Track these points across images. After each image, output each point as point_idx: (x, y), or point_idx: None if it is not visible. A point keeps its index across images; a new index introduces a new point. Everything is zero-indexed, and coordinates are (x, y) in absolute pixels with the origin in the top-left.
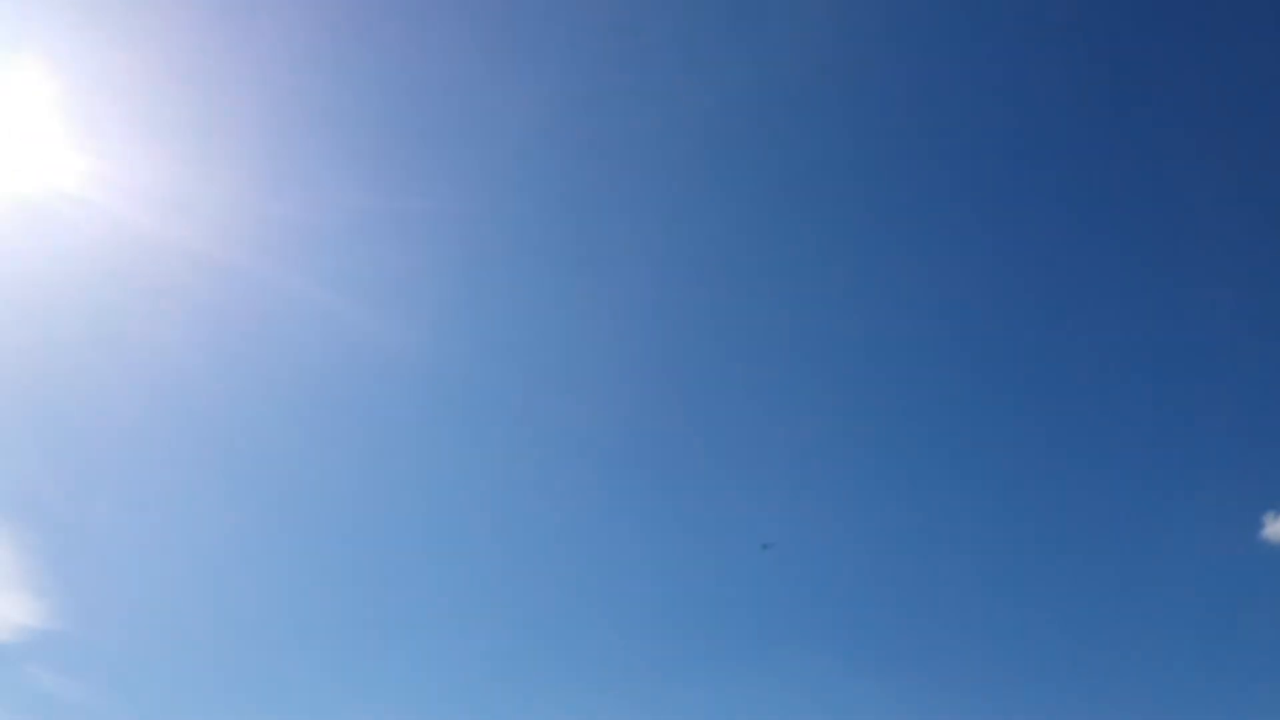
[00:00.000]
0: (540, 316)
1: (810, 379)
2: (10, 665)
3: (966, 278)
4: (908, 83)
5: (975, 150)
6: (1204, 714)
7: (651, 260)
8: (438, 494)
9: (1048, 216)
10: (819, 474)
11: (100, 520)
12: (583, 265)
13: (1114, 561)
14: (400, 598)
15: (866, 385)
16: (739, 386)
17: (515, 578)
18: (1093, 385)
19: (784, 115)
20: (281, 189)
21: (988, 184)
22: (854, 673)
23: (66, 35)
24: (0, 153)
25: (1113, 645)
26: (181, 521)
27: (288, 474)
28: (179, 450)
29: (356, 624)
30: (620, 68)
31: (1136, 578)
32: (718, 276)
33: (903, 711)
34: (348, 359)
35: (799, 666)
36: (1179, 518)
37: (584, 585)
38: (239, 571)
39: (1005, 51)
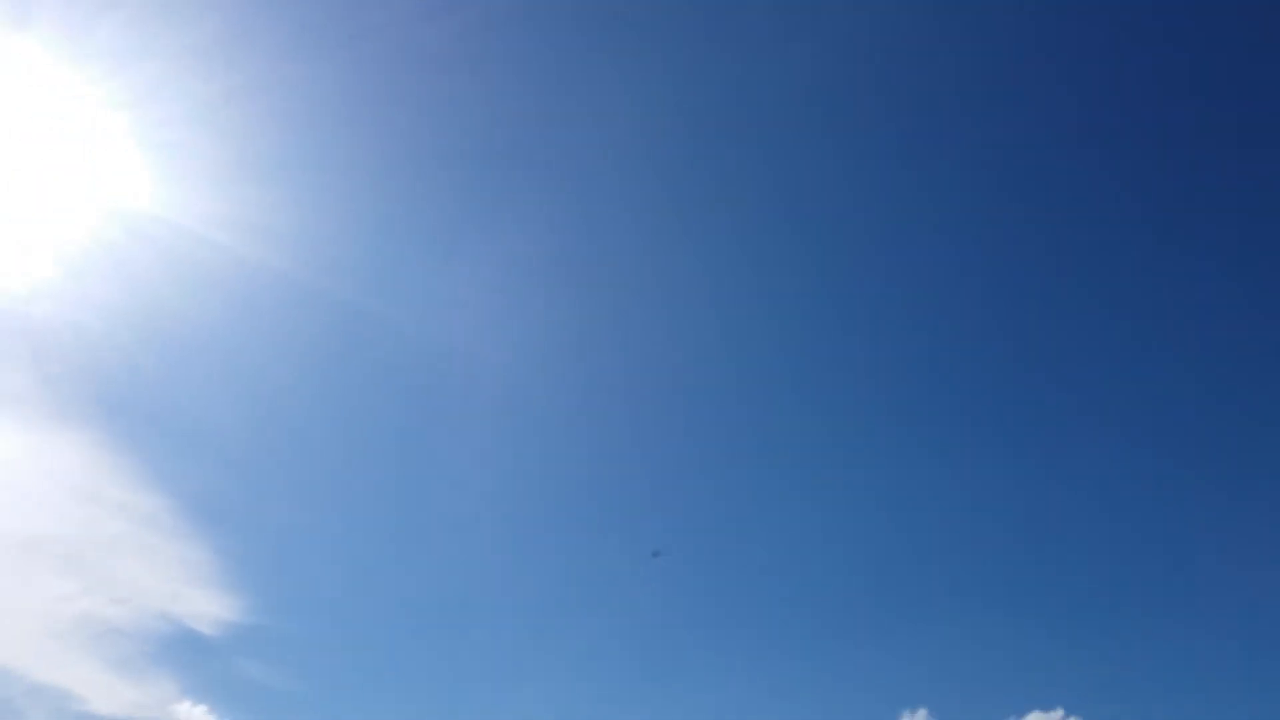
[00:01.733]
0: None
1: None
2: (217, 657)
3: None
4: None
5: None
6: None
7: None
8: (558, 488)
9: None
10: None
11: (281, 520)
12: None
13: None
14: (553, 584)
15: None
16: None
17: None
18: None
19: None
20: (352, 210)
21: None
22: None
23: (146, 61)
24: (88, 175)
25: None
26: (350, 517)
27: (434, 471)
28: (337, 453)
29: (514, 608)
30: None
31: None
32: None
33: None
34: (441, 370)
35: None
36: None
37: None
38: (406, 561)
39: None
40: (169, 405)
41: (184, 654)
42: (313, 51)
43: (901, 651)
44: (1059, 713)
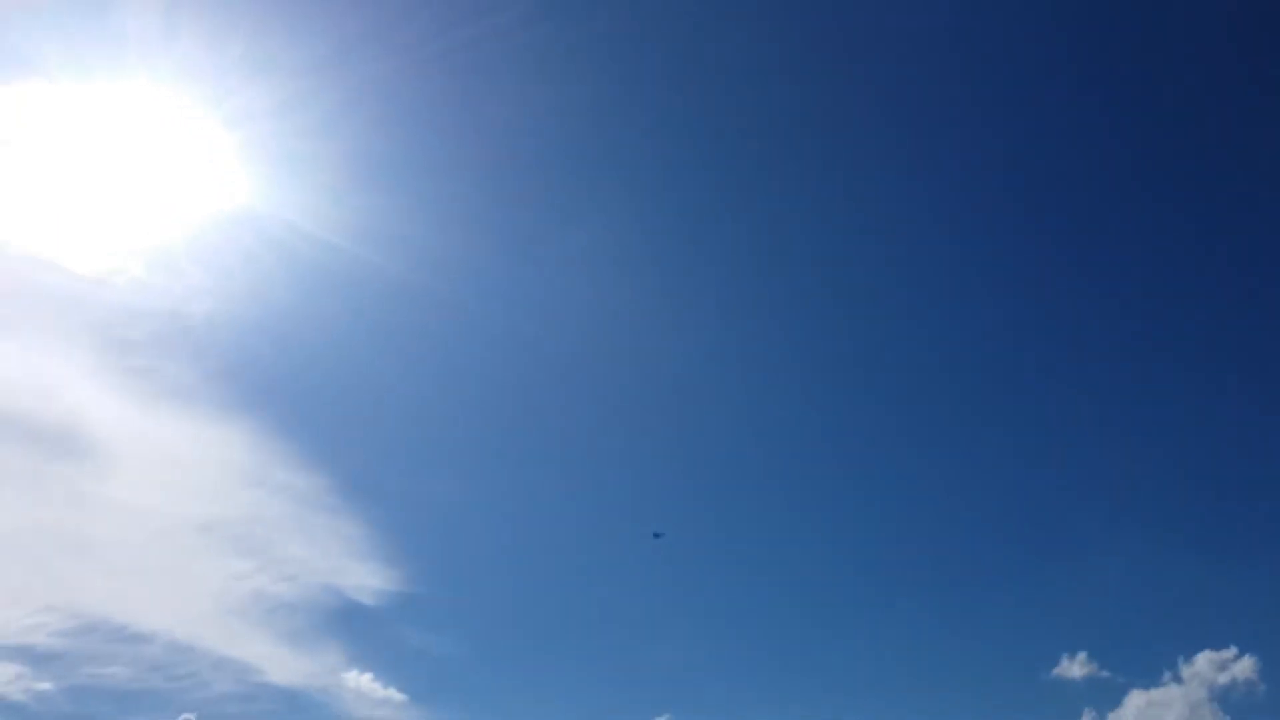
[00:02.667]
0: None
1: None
2: (378, 627)
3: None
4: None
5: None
6: None
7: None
8: (667, 450)
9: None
10: None
11: (431, 494)
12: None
13: None
14: (689, 540)
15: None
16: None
17: None
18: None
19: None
20: (459, 211)
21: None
22: None
23: (275, 74)
24: (230, 187)
25: None
26: (493, 489)
27: (557, 444)
28: (475, 431)
29: (653, 565)
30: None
31: None
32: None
33: None
34: (557, 355)
35: None
36: None
37: None
38: (548, 527)
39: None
40: (320, 392)
41: (349, 624)
42: (416, 65)
43: (1059, 595)
44: (1231, 651)
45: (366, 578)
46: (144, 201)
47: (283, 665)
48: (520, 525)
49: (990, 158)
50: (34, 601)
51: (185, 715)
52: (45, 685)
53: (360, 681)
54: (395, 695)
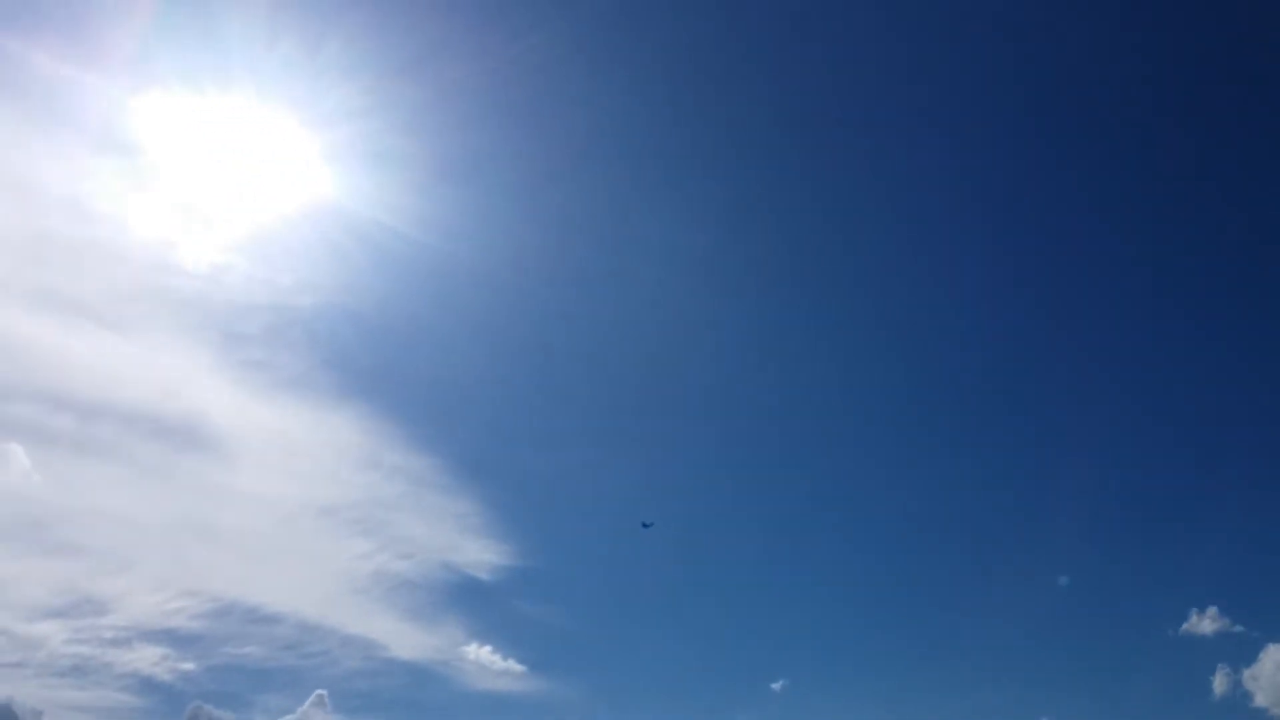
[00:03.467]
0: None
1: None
2: (495, 601)
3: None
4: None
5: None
6: None
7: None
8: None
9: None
10: None
11: (537, 470)
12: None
13: None
14: (788, 505)
15: None
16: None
17: None
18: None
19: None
20: (538, 205)
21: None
22: None
23: (364, 74)
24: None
25: None
26: (600, 465)
27: (670, 420)
28: (583, 409)
29: (753, 531)
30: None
31: None
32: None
33: None
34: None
35: None
36: None
37: None
38: (650, 496)
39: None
40: (424, 377)
41: (467, 600)
42: (495, 67)
43: (1184, 549)
44: None
45: (481, 554)
46: (247, 201)
47: (406, 641)
48: (628, 498)
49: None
50: (174, 587)
51: (318, 691)
52: (188, 665)
53: (480, 654)
54: (514, 666)
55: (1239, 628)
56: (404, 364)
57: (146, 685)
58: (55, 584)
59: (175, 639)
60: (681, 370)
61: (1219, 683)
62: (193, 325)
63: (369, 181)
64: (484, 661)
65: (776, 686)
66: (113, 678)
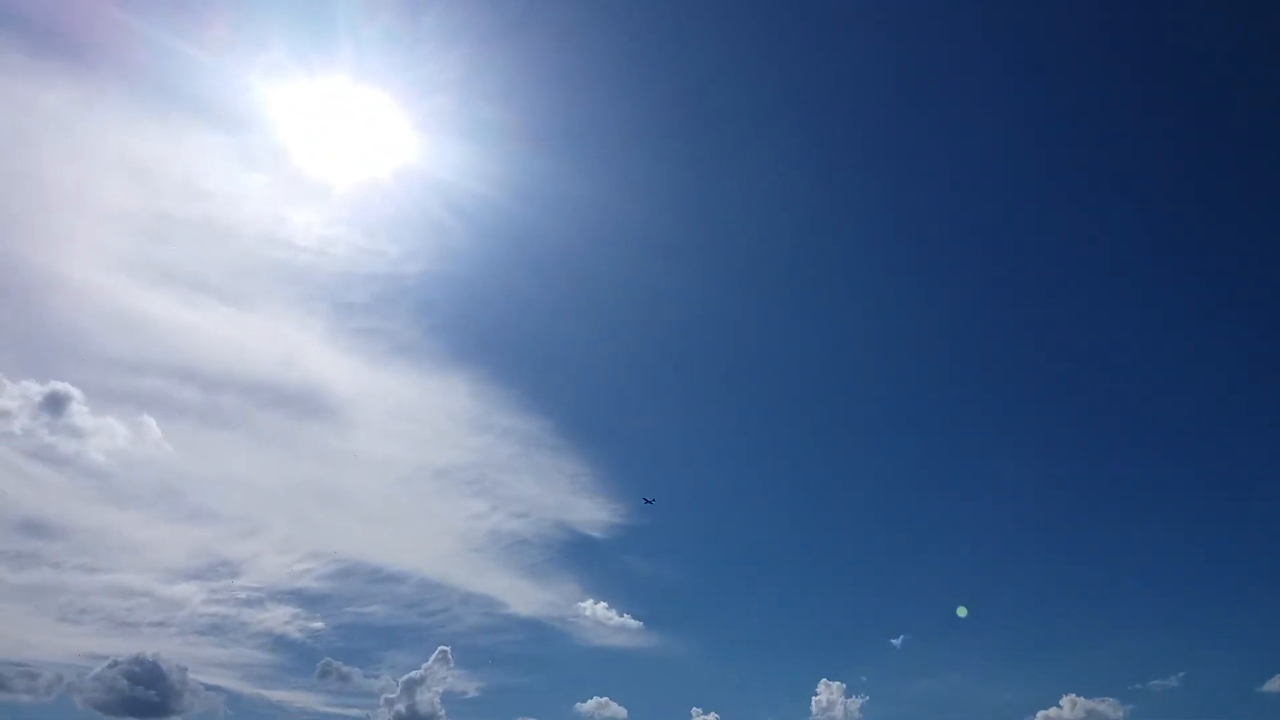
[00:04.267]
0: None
1: None
2: (608, 557)
3: None
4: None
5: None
6: None
7: None
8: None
9: None
10: None
11: (645, 429)
12: None
13: None
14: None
15: None
16: None
17: None
18: None
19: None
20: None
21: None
22: None
23: (461, 45)
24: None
25: None
26: (699, 422)
27: (778, 376)
28: (687, 367)
29: (854, 488)
30: None
31: None
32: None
33: None
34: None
35: None
36: None
37: None
38: (756, 453)
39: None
40: (531, 340)
41: (580, 557)
42: (592, 35)
43: None
44: None
45: (593, 512)
46: (351, 174)
47: (524, 597)
48: (737, 456)
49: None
50: (300, 550)
51: (441, 647)
52: (317, 624)
53: (596, 610)
54: (630, 622)
55: None
56: (511, 328)
57: (280, 643)
58: (191, 548)
59: (304, 599)
60: (787, 329)
61: None
62: (305, 297)
63: (467, 151)
64: (600, 617)
65: (896, 642)
66: (248, 636)
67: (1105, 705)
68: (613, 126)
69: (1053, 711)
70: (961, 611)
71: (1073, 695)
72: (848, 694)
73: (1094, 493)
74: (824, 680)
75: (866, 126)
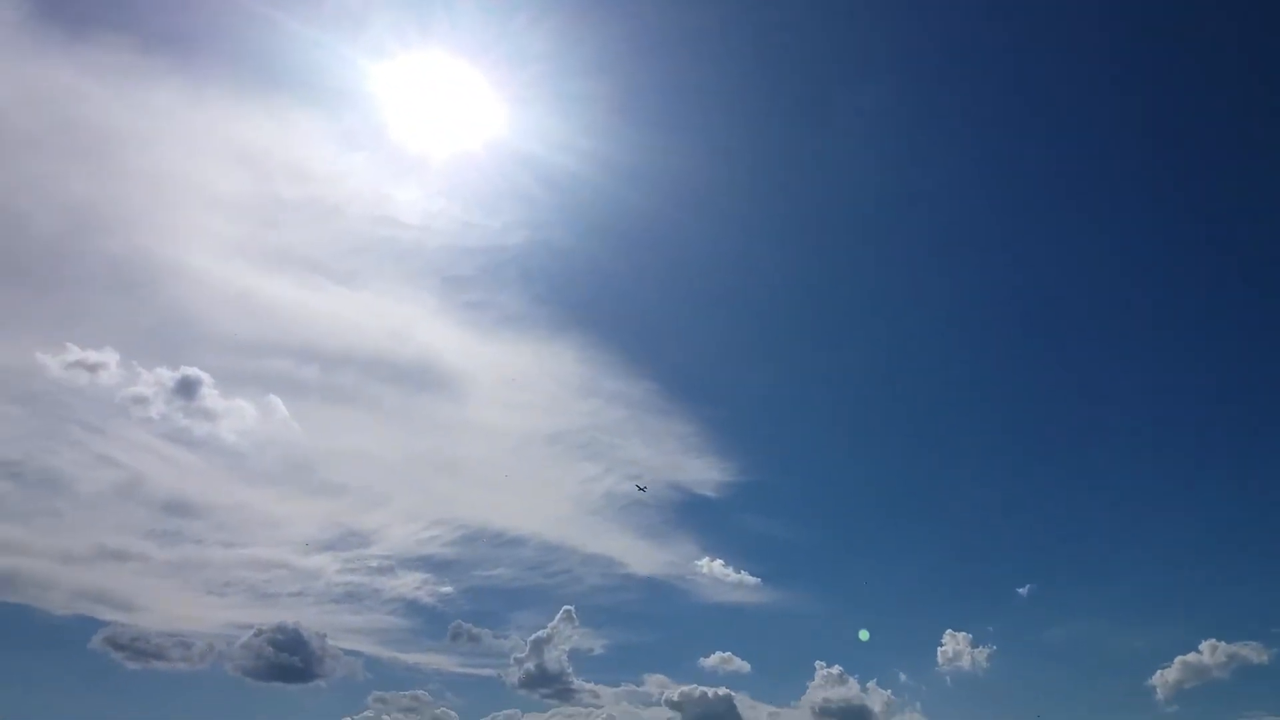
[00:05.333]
0: None
1: None
2: (724, 515)
3: None
4: None
5: None
6: None
7: None
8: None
9: None
10: None
11: (752, 388)
12: None
13: None
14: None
15: None
16: None
17: None
18: None
19: None
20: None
21: None
22: None
23: (553, 17)
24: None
25: None
26: (815, 382)
27: (881, 331)
28: (789, 325)
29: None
30: None
31: None
32: None
33: None
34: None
35: None
36: None
37: None
38: (880, 412)
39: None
40: (635, 305)
41: (695, 516)
42: (679, 6)
43: None
44: None
45: (705, 472)
46: (450, 149)
47: (642, 557)
48: (850, 409)
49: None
50: (425, 518)
51: (565, 607)
52: (446, 588)
53: (713, 568)
54: (747, 578)
55: None
56: (612, 294)
57: (412, 608)
58: (323, 521)
59: (432, 565)
60: (894, 283)
61: None
62: (414, 273)
63: (558, 123)
64: (717, 574)
65: (1023, 591)
66: (381, 602)
67: (1248, 649)
68: (700, 95)
69: (1191, 657)
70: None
71: (1212, 640)
72: (974, 644)
73: (1230, 430)
74: (949, 631)
75: (954, 84)
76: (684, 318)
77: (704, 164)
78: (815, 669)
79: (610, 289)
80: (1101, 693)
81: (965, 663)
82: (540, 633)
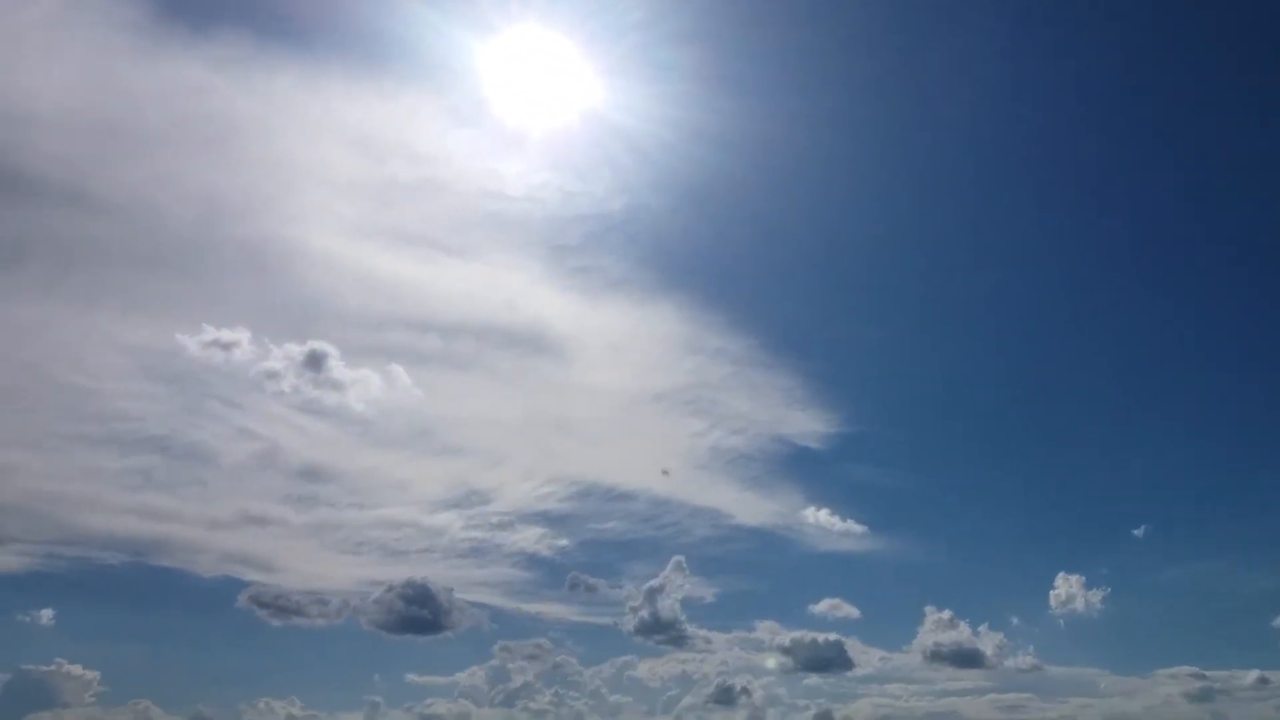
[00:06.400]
0: None
1: None
2: (829, 466)
3: None
4: None
5: None
6: None
7: None
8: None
9: None
10: None
11: (855, 339)
12: None
13: None
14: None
15: None
16: None
17: None
18: None
19: None
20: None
21: None
22: None
23: None
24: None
25: None
26: (917, 330)
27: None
28: (888, 274)
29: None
30: None
31: None
32: None
33: None
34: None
35: None
36: None
37: None
38: (964, 356)
39: None
40: (733, 263)
41: (800, 468)
42: None
43: None
44: None
45: (808, 423)
46: (550, 121)
47: (749, 508)
48: (953, 356)
49: None
50: (541, 476)
51: (676, 557)
52: (563, 542)
53: (819, 517)
54: (854, 527)
55: None
56: (713, 255)
57: (532, 561)
58: (446, 481)
59: (549, 520)
60: (998, 228)
61: None
62: (522, 243)
63: (651, 93)
64: (824, 524)
65: (1138, 532)
66: (503, 556)
67: None
68: (790, 60)
69: None
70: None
71: None
72: (1087, 587)
73: None
74: (1062, 574)
75: (1056, 27)
76: (783, 275)
77: (797, 128)
78: (925, 614)
79: (709, 250)
80: (1223, 636)
81: (1079, 605)
82: (653, 582)
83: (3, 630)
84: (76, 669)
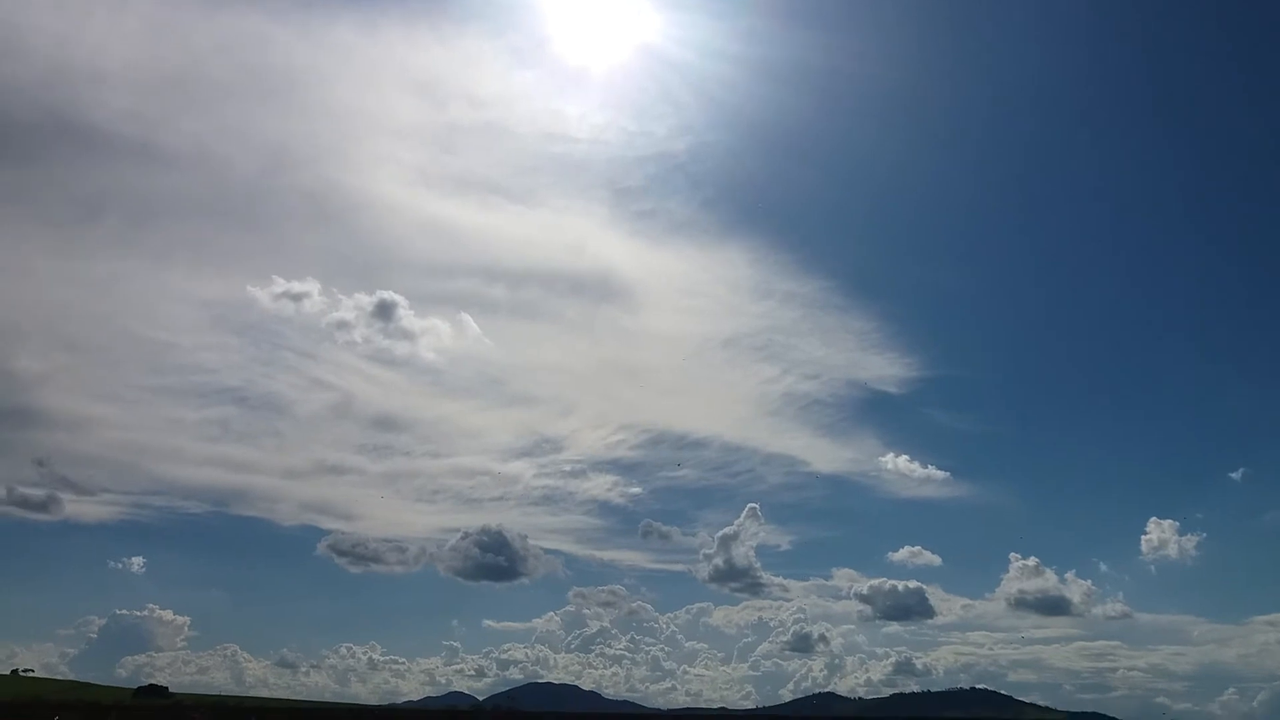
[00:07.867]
0: None
1: None
2: (906, 412)
3: None
4: None
5: None
6: None
7: None
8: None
9: None
10: None
11: (931, 281)
12: None
13: None
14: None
15: None
16: None
17: None
18: None
19: None
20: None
21: None
22: None
23: None
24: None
25: None
26: (997, 273)
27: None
28: (966, 215)
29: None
30: None
31: None
32: None
33: None
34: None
35: None
36: None
37: None
38: (1045, 297)
39: None
40: (806, 203)
41: (877, 413)
42: None
43: None
44: None
45: (886, 368)
46: (612, 62)
47: (825, 455)
48: (1035, 298)
49: None
50: (611, 424)
51: (750, 505)
52: (636, 490)
53: (898, 463)
54: (935, 473)
55: None
56: (781, 196)
57: (604, 508)
58: (518, 430)
59: (620, 467)
60: (1082, 166)
61: None
62: (586, 186)
63: (711, 26)
64: (903, 469)
65: (1236, 475)
66: (576, 504)
67: None
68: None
69: None
70: None
71: None
72: (1181, 532)
73: None
74: (1154, 519)
75: None
76: (855, 216)
77: (868, 62)
78: (1009, 561)
79: (777, 190)
80: None
81: (1172, 551)
82: (727, 530)
83: (98, 577)
84: (168, 614)
